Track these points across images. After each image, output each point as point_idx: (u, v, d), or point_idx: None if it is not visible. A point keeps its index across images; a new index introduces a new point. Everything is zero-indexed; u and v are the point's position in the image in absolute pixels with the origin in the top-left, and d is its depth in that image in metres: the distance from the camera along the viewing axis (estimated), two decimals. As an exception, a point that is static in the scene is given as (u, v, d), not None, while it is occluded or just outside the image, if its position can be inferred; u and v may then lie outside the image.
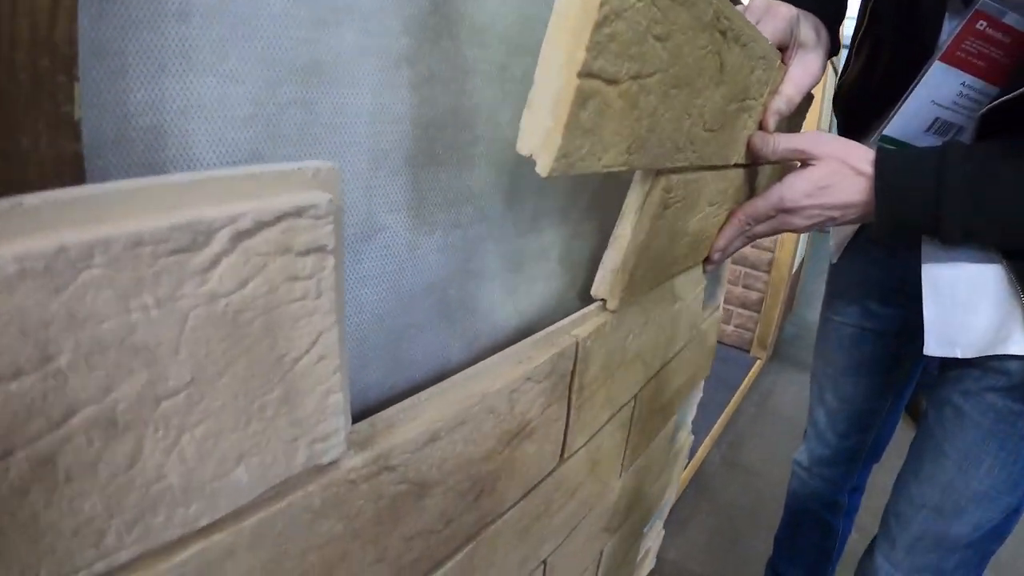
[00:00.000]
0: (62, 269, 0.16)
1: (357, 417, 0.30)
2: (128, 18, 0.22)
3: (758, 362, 2.14)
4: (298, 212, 0.22)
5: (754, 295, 2.14)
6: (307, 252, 0.22)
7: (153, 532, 0.21)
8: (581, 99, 0.30)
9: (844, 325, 0.82)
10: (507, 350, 0.38)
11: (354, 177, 0.29)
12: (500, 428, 0.38)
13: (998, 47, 0.53)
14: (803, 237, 2.23)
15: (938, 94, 0.56)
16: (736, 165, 0.58)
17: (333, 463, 0.27)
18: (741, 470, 1.64)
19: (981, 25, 0.53)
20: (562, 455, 0.48)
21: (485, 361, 0.36)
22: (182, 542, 0.23)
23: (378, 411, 0.31)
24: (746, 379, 2.00)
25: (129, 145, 0.23)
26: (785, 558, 1.03)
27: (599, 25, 0.28)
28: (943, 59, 0.55)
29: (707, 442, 1.65)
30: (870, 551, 0.71)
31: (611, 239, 0.47)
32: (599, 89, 0.31)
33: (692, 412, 0.98)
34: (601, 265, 0.47)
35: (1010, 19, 0.52)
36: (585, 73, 0.29)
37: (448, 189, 0.35)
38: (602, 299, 0.48)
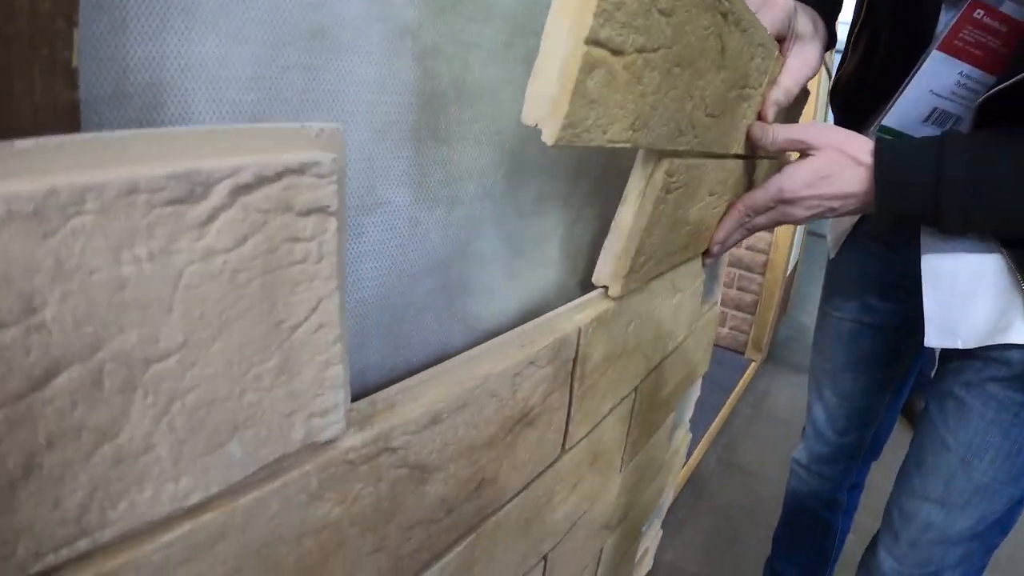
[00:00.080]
0: (51, 213, 0.15)
1: (356, 399, 0.29)
2: (126, -31, 0.21)
3: (753, 364, 2.14)
4: (301, 169, 0.21)
5: (749, 297, 2.14)
6: (308, 212, 0.21)
7: (139, 509, 0.20)
8: (587, 67, 0.29)
9: (843, 320, 0.81)
10: (509, 333, 0.37)
11: (356, 147, 0.29)
12: (502, 413, 0.37)
13: (995, 36, 0.53)
14: (797, 240, 2.24)
15: (936, 84, 0.56)
16: (736, 156, 0.58)
17: (331, 442, 0.26)
18: (737, 471, 1.63)
19: (979, 14, 0.53)
20: (564, 445, 0.47)
21: (487, 343, 0.35)
22: (170, 521, 0.21)
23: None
24: (741, 381, 2.00)
25: (127, 101, 0.22)
26: (784, 557, 1.02)
27: (607, -9, 0.28)
28: (941, 48, 0.55)
29: (703, 443, 1.65)
30: (873, 546, 0.70)
31: (613, 224, 0.46)
32: (605, 59, 0.31)
33: (690, 410, 0.97)
34: (603, 251, 0.47)
35: (1007, 8, 0.52)
36: (592, 40, 0.29)
37: (451, 165, 0.34)
38: (604, 286, 0.48)
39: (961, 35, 0.53)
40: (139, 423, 0.19)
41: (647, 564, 1.03)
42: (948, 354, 0.63)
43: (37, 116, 0.18)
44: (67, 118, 0.19)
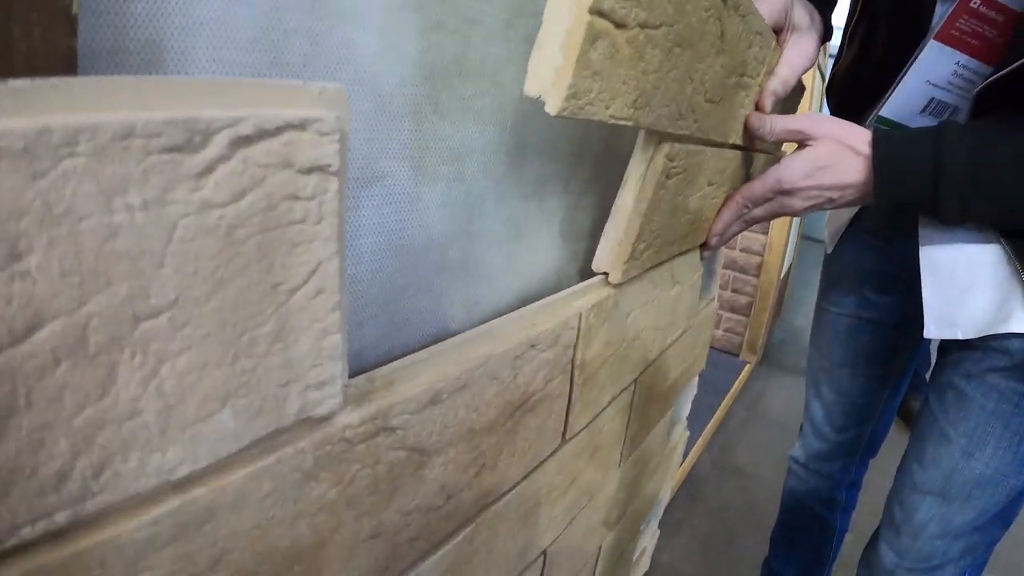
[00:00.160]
0: (43, 153, 0.14)
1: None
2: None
3: (747, 366, 2.14)
4: (302, 125, 0.20)
5: (743, 299, 2.15)
6: (309, 170, 0.20)
7: (124, 480, 0.19)
8: (591, 37, 0.29)
9: (840, 316, 0.81)
10: (510, 314, 0.36)
11: (356, 118, 0.28)
12: (503, 397, 0.36)
13: (991, 25, 0.53)
14: (791, 243, 2.25)
15: (933, 74, 0.56)
16: (734, 147, 0.58)
17: (327, 419, 0.25)
18: (733, 473, 1.62)
19: (975, 3, 0.53)
20: (564, 435, 0.46)
21: (488, 324, 0.35)
22: (156, 496, 0.20)
23: (374, 374, 0.29)
24: (736, 383, 2.00)
25: (126, 57, 0.21)
26: (781, 557, 1.01)
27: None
28: (938, 38, 0.55)
29: (698, 445, 1.64)
30: (874, 541, 0.70)
31: (613, 208, 0.45)
32: (608, 30, 0.30)
33: (687, 408, 0.96)
34: (603, 236, 0.46)
35: None
36: (596, 10, 0.28)
37: (452, 141, 0.33)
38: (604, 273, 0.47)
39: (958, 24, 0.53)
40: (125, 385, 0.18)
41: (644, 565, 1.02)
42: (947, 346, 0.63)
43: (33, 61, 0.17)
44: (64, 66, 0.18)
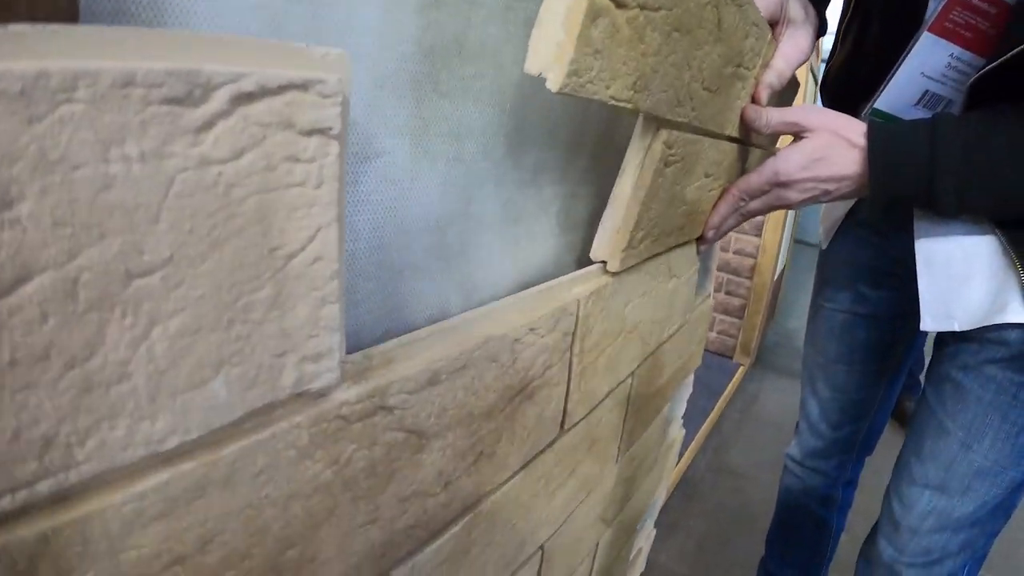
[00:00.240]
0: (40, 97, 0.14)
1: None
2: None
3: (741, 368, 2.14)
4: (305, 85, 0.19)
5: (736, 301, 2.15)
6: (310, 132, 0.20)
7: (110, 449, 0.18)
8: (592, 13, 0.29)
9: (835, 311, 0.81)
10: (509, 297, 0.36)
11: (356, 92, 0.27)
12: (502, 382, 0.35)
13: (985, 17, 0.54)
14: (784, 245, 2.26)
15: (927, 66, 0.57)
16: (730, 139, 0.58)
17: (324, 395, 0.24)
18: (728, 474, 1.62)
19: (969, -5, 0.53)
20: (563, 425, 0.46)
21: (487, 306, 0.34)
22: (144, 468, 0.20)
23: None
24: (730, 385, 2.00)
25: (127, 19, 0.20)
26: (777, 556, 1.01)
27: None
28: (931, 30, 0.55)
29: (692, 447, 1.64)
30: (872, 536, 0.69)
31: (611, 196, 0.45)
32: (609, 8, 0.30)
33: (683, 407, 0.96)
34: (601, 225, 0.46)
35: None
36: (597, -15, 0.28)
37: (451, 121, 0.33)
38: (602, 261, 0.47)
39: (951, 16, 0.54)
40: (115, 347, 0.17)
41: (640, 565, 1.01)
42: (943, 339, 0.63)
43: (34, 16, 0.17)
44: (65, 21, 0.17)
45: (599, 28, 0.30)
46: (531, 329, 0.36)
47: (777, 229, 2.04)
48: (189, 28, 0.22)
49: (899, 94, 0.59)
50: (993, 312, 0.54)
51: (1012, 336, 0.54)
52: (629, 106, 0.36)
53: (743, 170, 0.66)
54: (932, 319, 0.58)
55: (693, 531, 1.39)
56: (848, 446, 0.88)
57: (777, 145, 0.76)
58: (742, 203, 0.60)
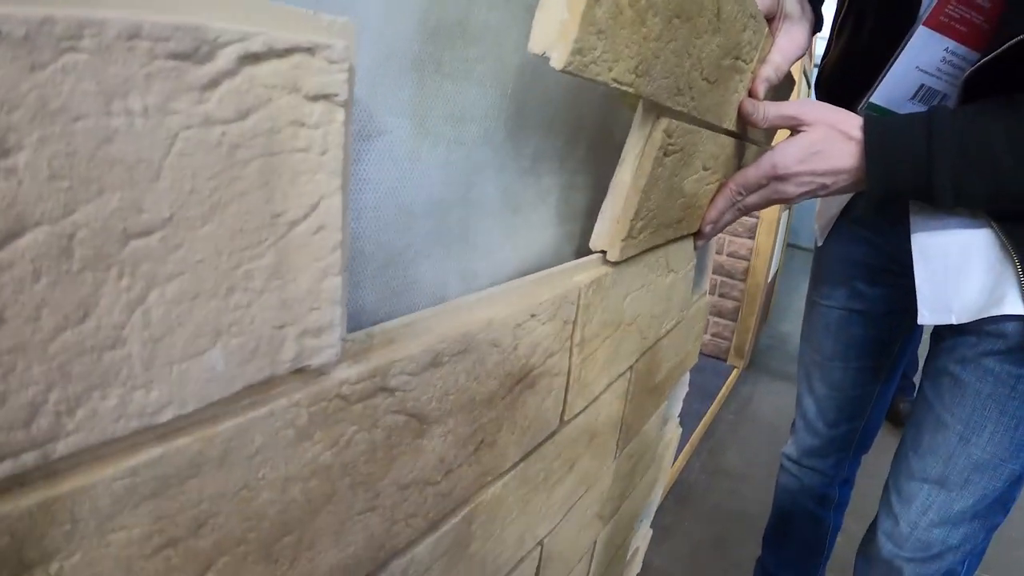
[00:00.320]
0: (43, 44, 0.13)
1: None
2: None
3: (735, 370, 2.15)
4: (312, 50, 0.19)
5: (730, 304, 2.16)
6: (316, 98, 0.19)
7: (102, 420, 0.17)
8: (596, -9, 0.28)
9: (831, 308, 0.81)
10: (510, 283, 0.35)
11: (359, 69, 0.27)
12: (503, 368, 0.35)
13: (979, 12, 0.54)
14: (778, 248, 2.27)
15: (922, 60, 0.57)
16: (728, 132, 0.58)
17: (324, 372, 0.24)
18: (723, 476, 1.62)
19: (962, -10, 0.54)
20: (563, 416, 0.45)
21: (488, 290, 0.33)
22: (137, 442, 0.19)
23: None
24: (724, 387, 2.00)
25: None
26: (774, 555, 1.00)
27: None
28: (927, 24, 0.55)
29: (687, 449, 1.63)
30: (871, 532, 0.69)
31: (611, 185, 0.45)
32: (613, -13, 0.30)
33: (679, 405, 0.96)
34: (600, 213, 0.45)
35: None
36: (601, -37, 0.28)
37: (453, 103, 0.32)
38: (601, 251, 0.46)
39: (946, 11, 0.54)
40: (110, 309, 0.16)
41: (637, 565, 1.00)
42: (940, 333, 0.63)
43: None
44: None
45: (602, 8, 0.30)
46: (532, 315, 0.36)
47: (770, 232, 2.05)
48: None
49: (895, 89, 0.59)
50: (990, 304, 0.54)
51: (1010, 328, 0.54)
52: (631, 90, 0.36)
53: (740, 165, 0.66)
54: (930, 312, 0.58)
55: (689, 533, 1.38)
56: (845, 444, 0.88)
57: (774, 141, 0.77)
58: (739, 197, 0.60)
